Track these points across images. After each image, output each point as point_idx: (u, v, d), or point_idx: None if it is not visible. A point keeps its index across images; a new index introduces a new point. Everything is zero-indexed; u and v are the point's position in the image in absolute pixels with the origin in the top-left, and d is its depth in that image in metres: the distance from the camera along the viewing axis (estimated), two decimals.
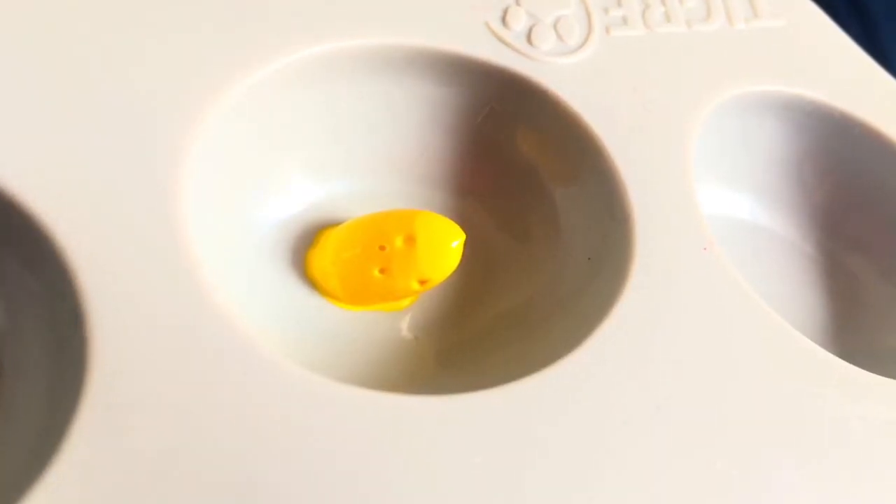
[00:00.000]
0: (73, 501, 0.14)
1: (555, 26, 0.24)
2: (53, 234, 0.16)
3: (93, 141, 0.18)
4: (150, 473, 0.15)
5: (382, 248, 0.20)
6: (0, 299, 0.17)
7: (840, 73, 0.26)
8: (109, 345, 0.16)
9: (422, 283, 0.20)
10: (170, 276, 0.17)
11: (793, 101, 0.25)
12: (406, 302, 0.21)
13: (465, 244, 0.20)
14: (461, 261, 0.20)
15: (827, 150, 0.26)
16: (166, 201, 0.18)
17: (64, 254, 0.16)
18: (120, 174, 0.18)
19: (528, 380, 0.18)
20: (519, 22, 0.23)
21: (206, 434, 0.15)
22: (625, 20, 0.25)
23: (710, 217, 0.22)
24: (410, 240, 0.20)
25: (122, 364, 0.15)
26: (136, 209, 0.17)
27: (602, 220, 0.22)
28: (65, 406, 0.15)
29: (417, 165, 0.23)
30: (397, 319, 0.21)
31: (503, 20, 0.23)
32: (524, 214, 0.23)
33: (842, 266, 0.26)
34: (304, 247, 0.22)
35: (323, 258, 0.21)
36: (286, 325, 0.20)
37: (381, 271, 0.20)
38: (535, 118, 0.23)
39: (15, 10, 0.19)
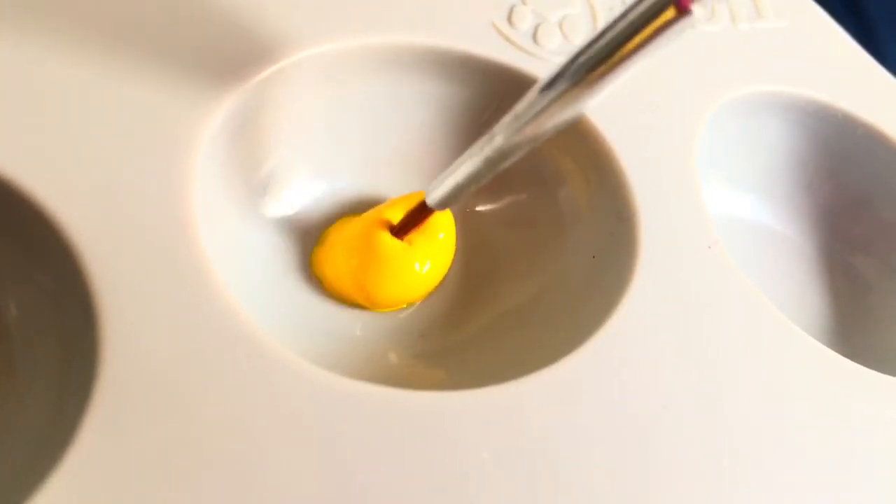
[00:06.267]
0: (86, 493, 0.14)
1: (560, 25, 0.24)
2: (66, 232, 0.16)
3: (105, 139, 0.18)
4: (160, 466, 0.15)
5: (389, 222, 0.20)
6: (12, 295, 0.17)
7: (843, 73, 0.27)
8: (120, 340, 0.16)
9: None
10: (180, 273, 0.17)
11: (796, 102, 0.25)
12: (415, 298, 0.21)
13: (471, 242, 0.20)
14: (468, 259, 0.20)
15: (830, 150, 0.26)
16: (176, 200, 0.18)
17: (76, 251, 0.16)
18: (130, 172, 0.18)
19: (533, 377, 0.18)
20: (525, 21, 0.23)
21: (216, 429, 0.15)
22: None
23: (714, 216, 0.22)
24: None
25: (132, 358, 0.15)
26: (147, 207, 0.17)
27: (607, 218, 0.22)
28: (76, 399, 0.15)
29: (424, 163, 0.23)
30: (405, 317, 0.21)
31: (509, 19, 0.23)
32: (530, 212, 0.23)
33: (846, 265, 0.26)
34: (310, 245, 0.22)
35: (329, 257, 0.21)
36: (292, 321, 0.20)
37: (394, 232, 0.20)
38: None
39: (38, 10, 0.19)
